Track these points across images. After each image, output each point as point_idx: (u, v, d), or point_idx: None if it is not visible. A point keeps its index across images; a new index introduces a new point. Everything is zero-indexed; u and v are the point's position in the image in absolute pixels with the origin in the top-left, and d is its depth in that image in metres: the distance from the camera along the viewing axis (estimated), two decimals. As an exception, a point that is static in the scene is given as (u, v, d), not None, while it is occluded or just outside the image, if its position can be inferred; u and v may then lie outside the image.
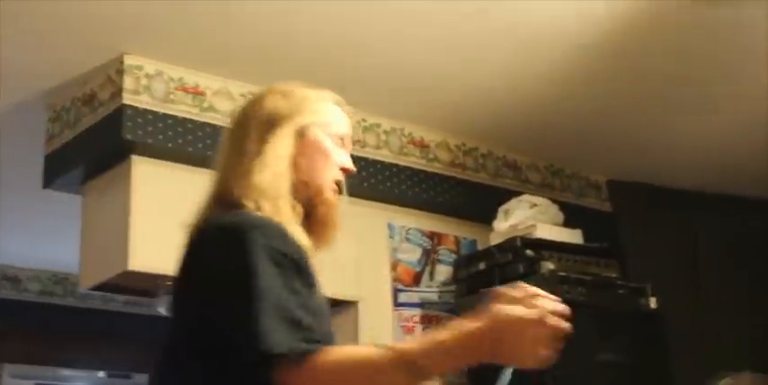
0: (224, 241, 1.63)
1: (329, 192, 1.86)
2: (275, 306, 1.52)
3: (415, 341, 1.55)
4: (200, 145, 4.02)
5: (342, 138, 1.90)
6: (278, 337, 1.49)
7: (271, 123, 1.82)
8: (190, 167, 3.98)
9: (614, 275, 4.38)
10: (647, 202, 5.37)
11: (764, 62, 4.21)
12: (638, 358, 4.08)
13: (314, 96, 1.92)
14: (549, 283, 3.99)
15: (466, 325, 1.54)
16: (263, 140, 1.80)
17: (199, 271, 1.66)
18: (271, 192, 1.74)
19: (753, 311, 5.25)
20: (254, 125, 1.83)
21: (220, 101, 4.14)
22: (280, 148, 1.79)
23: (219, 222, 1.69)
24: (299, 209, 1.78)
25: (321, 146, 1.85)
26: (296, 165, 1.80)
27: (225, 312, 1.57)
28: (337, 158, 1.88)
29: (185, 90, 4.07)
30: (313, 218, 1.83)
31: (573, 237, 4.43)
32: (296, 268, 1.61)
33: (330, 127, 1.88)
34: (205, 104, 4.10)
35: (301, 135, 1.84)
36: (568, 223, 4.55)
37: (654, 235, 5.28)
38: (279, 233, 1.65)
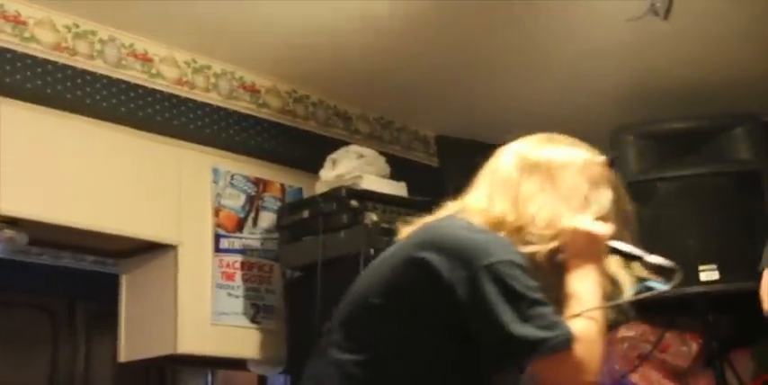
0: None
1: None
2: None
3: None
4: (18, 76, 3.84)
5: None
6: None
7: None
8: (6, 99, 3.80)
9: (437, 229, 4.39)
10: (474, 158, 5.42)
11: (589, 26, 4.29)
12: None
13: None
14: (372, 234, 3.99)
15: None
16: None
17: None
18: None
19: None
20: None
21: (43, 32, 3.95)
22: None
23: None
24: None
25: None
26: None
27: None
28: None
29: (5, 18, 3.86)
30: None
31: (398, 189, 4.42)
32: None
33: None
34: (26, 34, 3.91)
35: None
36: (395, 176, 4.55)
37: (478, 191, 5.34)
38: None
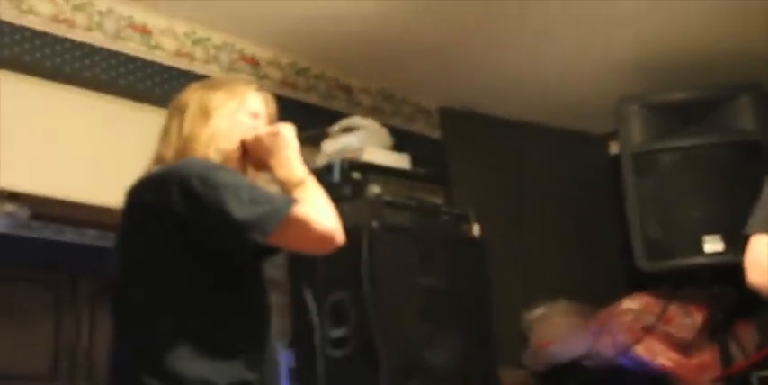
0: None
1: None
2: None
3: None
4: (16, 49, 3.81)
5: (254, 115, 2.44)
6: None
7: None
8: (5, 72, 3.77)
9: (439, 201, 4.39)
10: (477, 130, 5.40)
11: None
12: (458, 284, 4.11)
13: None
14: (374, 207, 3.97)
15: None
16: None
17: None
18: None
19: (570, 242, 5.37)
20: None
21: (41, 3, 3.92)
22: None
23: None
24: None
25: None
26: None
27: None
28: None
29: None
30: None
31: (401, 161, 4.41)
32: None
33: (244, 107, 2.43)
34: (24, 6, 3.88)
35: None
36: (397, 148, 4.53)
37: (481, 163, 5.31)
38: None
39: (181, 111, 2.38)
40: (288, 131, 2.38)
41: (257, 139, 2.35)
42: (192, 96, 2.42)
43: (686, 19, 4.49)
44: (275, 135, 2.35)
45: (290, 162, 2.31)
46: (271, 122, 2.48)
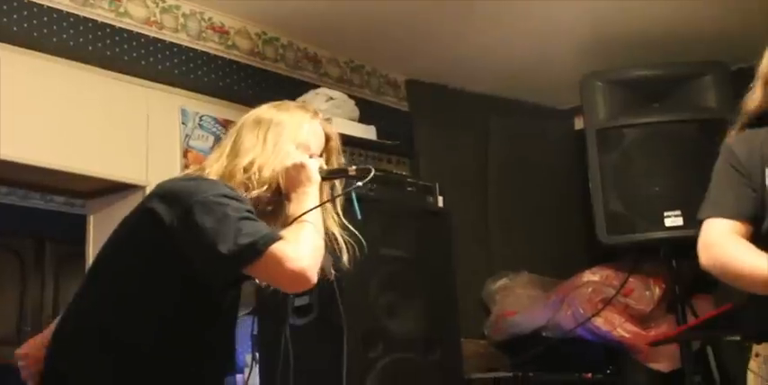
0: None
1: None
2: None
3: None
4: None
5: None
6: None
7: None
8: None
9: (405, 173, 4.42)
10: (444, 103, 5.43)
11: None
12: (422, 254, 4.14)
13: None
14: (340, 177, 3.99)
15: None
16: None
17: None
18: None
19: (534, 215, 5.42)
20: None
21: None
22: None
23: None
24: None
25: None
26: None
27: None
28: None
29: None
30: None
31: (367, 132, 4.43)
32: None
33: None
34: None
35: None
36: (364, 120, 4.55)
37: (447, 136, 5.34)
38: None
39: (241, 127, 2.40)
40: (313, 165, 2.36)
41: (285, 171, 2.34)
42: (257, 115, 2.43)
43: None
44: (300, 168, 2.34)
45: (303, 197, 2.31)
46: (330, 152, 2.50)
